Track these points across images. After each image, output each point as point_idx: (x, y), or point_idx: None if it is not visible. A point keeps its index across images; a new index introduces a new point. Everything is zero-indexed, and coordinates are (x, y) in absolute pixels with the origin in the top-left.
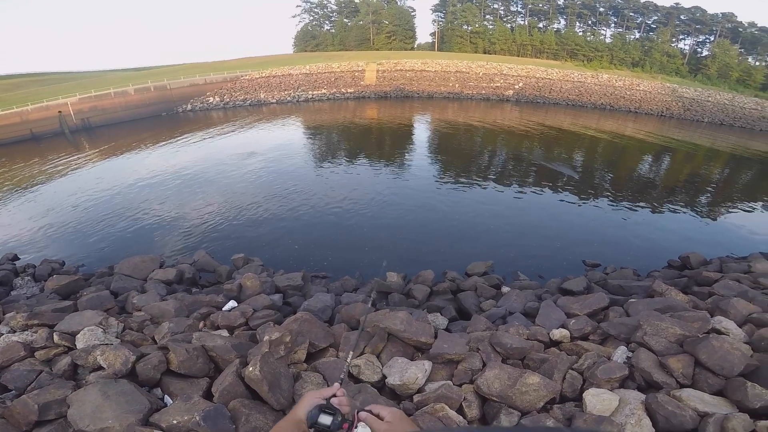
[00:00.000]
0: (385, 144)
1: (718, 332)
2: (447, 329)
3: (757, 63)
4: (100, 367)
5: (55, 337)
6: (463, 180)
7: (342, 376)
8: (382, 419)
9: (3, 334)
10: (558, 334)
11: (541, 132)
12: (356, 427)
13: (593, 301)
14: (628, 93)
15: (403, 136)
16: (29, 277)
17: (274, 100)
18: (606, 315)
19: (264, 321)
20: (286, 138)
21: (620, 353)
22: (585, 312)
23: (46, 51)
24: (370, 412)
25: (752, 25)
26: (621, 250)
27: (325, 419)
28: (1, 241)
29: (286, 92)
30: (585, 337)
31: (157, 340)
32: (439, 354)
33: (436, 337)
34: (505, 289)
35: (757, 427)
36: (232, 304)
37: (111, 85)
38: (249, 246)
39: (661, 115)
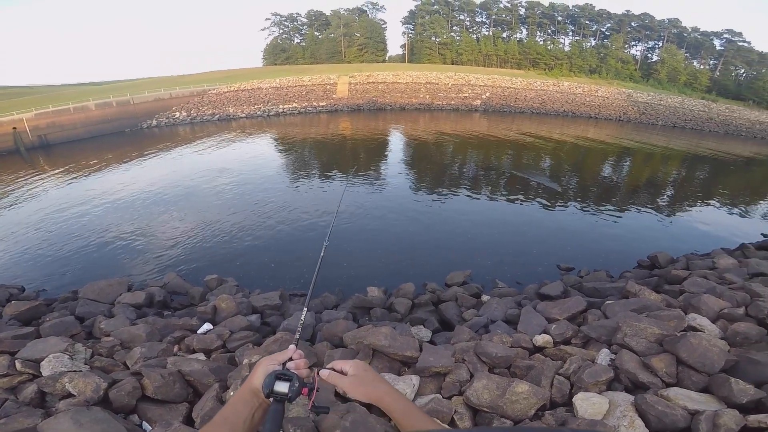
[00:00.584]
0: (360, 157)
1: (694, 329)
2: (431, 341)
3: (702, 66)
4: (70, 395)
5: (18, 365)
6: (438, 190)
7: (297, 337)
8: (345, 374)
9: None
10: (541, 339)
11: (508, 140)
12: (317, 390)
13: (571, 304)
14: (588, 99)
15: (377, 148)
16: None
17: (244, 115)
18: (585, 318)
19: (242, 343)
20: (257, 153)
21: (603, 356)
22: (564, 316)
23: None
24: (332, 369)
25: (695, 30)
26: (592, 253)
27: (282, 386)
28: None
29: (255, 106)
30: (567, 342)
31: (130, 366)
32: (425, 367)
33: (421, 350)
34: (485, 297)
35: (748, 422)
36: (207, 326)
37: (69, 100)
38: (222, 266)
39: (619, 120)
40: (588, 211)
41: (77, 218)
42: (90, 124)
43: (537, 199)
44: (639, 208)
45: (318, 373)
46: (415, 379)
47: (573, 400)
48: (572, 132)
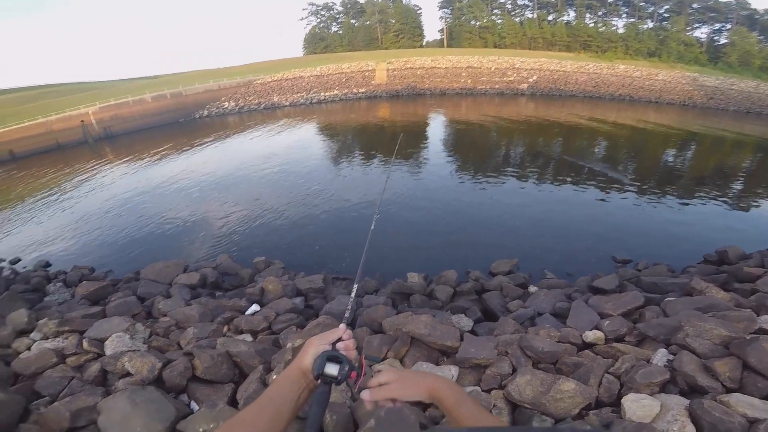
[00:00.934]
0: (401, 142)
1: (767, 332)
2: (473, 332)
3: None
4: (129, 374)
5: (85, 344)
6: (481, 177)
7: (347, 315)
8: (386, 383)
9: (36, 341)
10: (591, 336)
11: (558, 124)
12: (364, 374)
13: (627, 300)
14: (647, 83)
15: (419, 133)
16: (61, 283)
17: (288, 103)
18: (642, 315)
19: (287, 325)
20: (302, 140)
21: (660, 356)
22: (619, 312)
23: (48, 62)
24: (369, 388)
25: None
26: (652, 245)
27: (332, 369)
28: (33, 248)
29: (298, 95)
30: (620, 339)
31: (183, 346)
32: (465, 359)
33: (462, 340)
34: (532, 288)
35: None
36: (254, 308)
37: (128, 94)
38: (270, 249)
39: (684, 105)
40: (648, 199)
41: (140, 204)
42: (147, 115)
43: (591, 186)
44: (706, 197)
45: (364, 358)
46: (453, 370)
47: (622, 400)
48: (630, 116)
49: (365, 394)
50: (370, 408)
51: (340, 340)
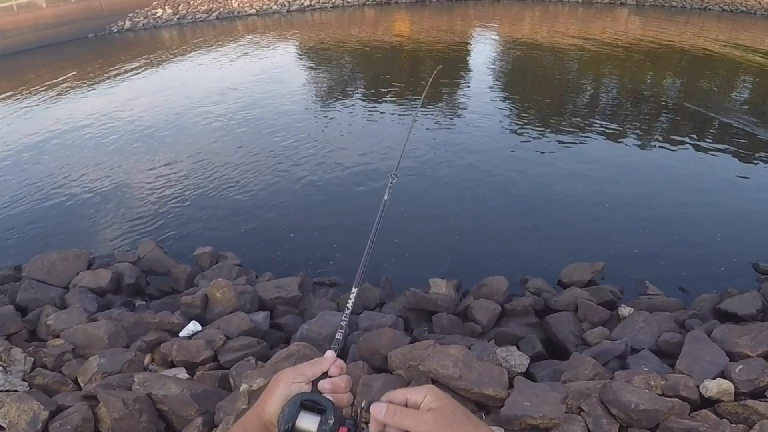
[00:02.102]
0: (425, 77)
1: None
2: (529, 374)
3: None
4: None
5: None
6: (551, 134)
7: (338, 337)
8: (417, 407)
9: None
10: (715, 387)
11: (680, 53)
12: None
13: None
14: None
15: (453, 63)
16: None
17: (254, 11)
18: None
19: (241, 355)
20: (275, 69)
21: None
22: (760, 351)
23: None
24: (390, 402)
25: None
26: None
27: (309, 422)
28: None
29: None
30: (760, 394)
31: (82, 384)
32: (516, 416)
33: (511, 387)
34: (624, 309)
35: None
36: (193, 327)
37: None
38: (220, 235)
39: None
40: None
41: (25, 164)
42: (41, 28)
43: (724, 153)
44: None
45: (367, 408)
46: None
47: None
48: None
49: (376, 409)
50: (374, 431)
51: (325, 375)
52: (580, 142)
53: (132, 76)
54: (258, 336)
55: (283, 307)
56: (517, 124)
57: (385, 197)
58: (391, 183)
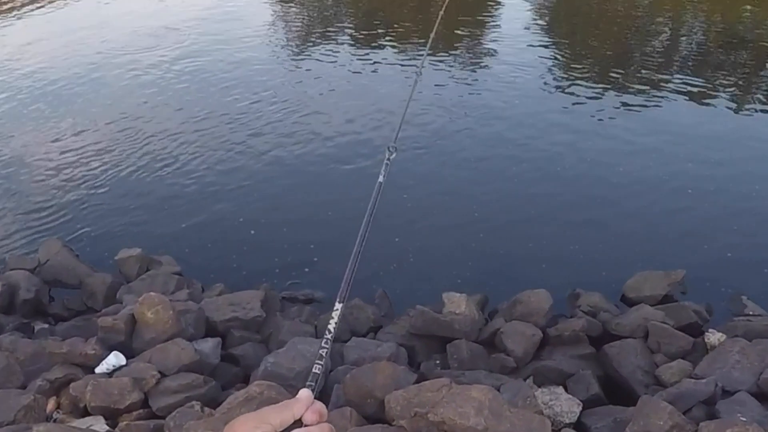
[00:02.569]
0: (435, 11)
1: None
2: (580, 425)
3: None
4: None
5: None
6: (611, 95)
7: (316, 372)
8: None
9: None
10: None
11: None
12: None
13: None
14: None
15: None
16: None
17: None
18: None
19: (182, 399)
20: (230, 1)
21: None
22: None
23: None
24: None
25: None
26: None
27: None
28: None
29: None
30: None
31: None
32: None
33: None
34: (713, 336)
35: None
36: (114, 359)
37: None
38: (153, 232)
39: None
40: None
41: None
42: None
43: None
44: None
45: None
46: None
47: None
48: None
49: None
50: None
51: (299, 423)
52: (652, 105)
53: (30, 11)
54: (205, 372)
55: (239, 333)
56: (565, 80)
57: (381, 179)
58: (389, 159)
